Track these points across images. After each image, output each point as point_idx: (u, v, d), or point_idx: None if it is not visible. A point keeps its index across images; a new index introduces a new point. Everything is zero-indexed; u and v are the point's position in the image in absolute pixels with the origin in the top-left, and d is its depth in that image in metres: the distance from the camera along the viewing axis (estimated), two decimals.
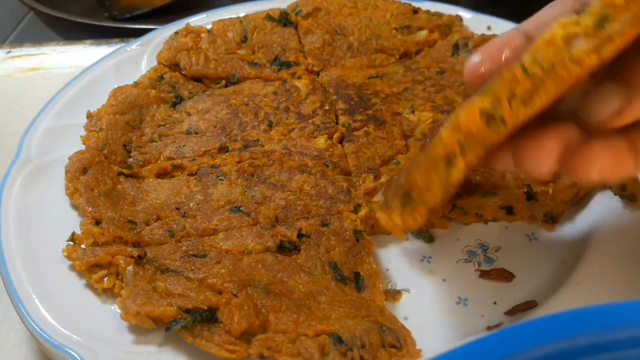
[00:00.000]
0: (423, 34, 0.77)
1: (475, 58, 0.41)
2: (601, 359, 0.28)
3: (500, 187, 0.56)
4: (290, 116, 0.66)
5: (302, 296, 0.46)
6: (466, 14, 0.80)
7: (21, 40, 1.26)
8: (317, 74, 0.73)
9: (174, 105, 0.69)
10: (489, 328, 0.48)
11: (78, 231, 0.52)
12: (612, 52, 0.33)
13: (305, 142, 0.62)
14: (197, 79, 0.73)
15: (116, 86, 0.68)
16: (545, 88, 0.34)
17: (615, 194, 0.57)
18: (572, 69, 0.33)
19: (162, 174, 0.60)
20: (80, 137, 0.62)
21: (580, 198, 0.58)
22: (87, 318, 0.47)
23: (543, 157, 0.37)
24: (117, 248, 0.50)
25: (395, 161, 0.59)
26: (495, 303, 0.51)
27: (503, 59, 0.40)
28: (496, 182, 0.56)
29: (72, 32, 1.07)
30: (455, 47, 0.75)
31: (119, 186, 0.57)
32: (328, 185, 0.57)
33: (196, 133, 0.64)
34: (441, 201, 0.38)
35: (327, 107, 0.66)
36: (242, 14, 0.80)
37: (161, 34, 0.77)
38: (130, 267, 0.48)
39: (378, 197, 0.46)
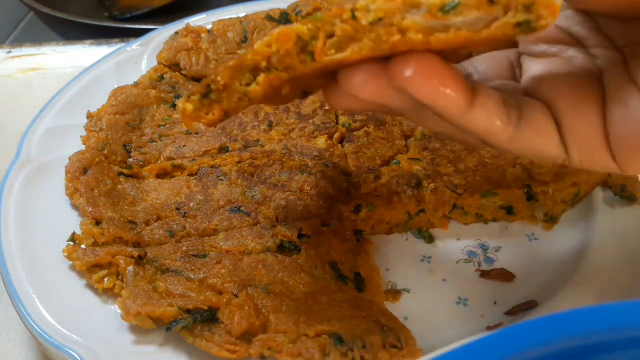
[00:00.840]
0: None
1: None
2: (602, 359, 0.28)
3: (501, 186, 0.56)
4: (290, 116, 0.66)
5: (303, 296, 0.46)
6: None
7: (21, 40, 1.26)
8: None
9: (174, 105, 0.69)
10: (489, 328, 0.48)
11: (78, 231, 0.52)
12: (440, 42, 0.31)
13: (305, 142, 0.62)
14: (197, 79, 0.73)
15: (116, 86, 0.68)
16: (361, 42, 0.31)
17: (615, 194, 0.57)
18: (393, 35, 0.31)
19: (162, 174, 0.60)
20: (80, 137, 0.62)
21: (580, 198, 0.58)
22: (87, 318, 0.47)
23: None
24: (118, 248, 0.50)
25: (395, 161, 0.59)
26: (495, 303, 0.51)
27: None
28: (497, 182, 0.56)
29: (72, 32, 1.07)
30: None
31: (119, 186, 0.57)
32: (328, 185, 0.57)
33: (196, 133, 0.64)
34: (236, 107, 0.36)
35: (327, 107, 0.66)
36: (242, 14, 0.80)
37: (161, 34, 0.77)
38: (130, 267, 0.48)
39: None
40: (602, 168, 0.36)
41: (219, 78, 0.35)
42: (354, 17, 0.31)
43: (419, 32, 0.31)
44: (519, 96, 0.37)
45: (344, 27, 0.31)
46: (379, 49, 0.32)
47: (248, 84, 0.34)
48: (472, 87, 0.34)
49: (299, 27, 0.32)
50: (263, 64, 0.33)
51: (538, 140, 0.35)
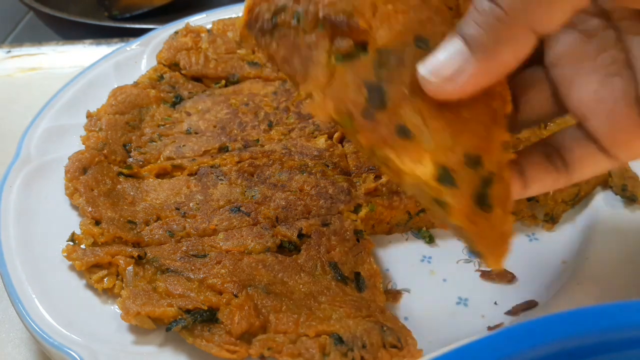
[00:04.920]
0: None
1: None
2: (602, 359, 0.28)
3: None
4: (290, 116, 0.66)
5: (303, 296, 0.46)
6: None
7: (21, 40, 1.25)
8: None
9: (173, 105, 0.69)
10: (489, 328, 0.48)
11: (78, 231, 0.52)
12: None
13: (305, 142, 0.62)
14: (197, 78, 0.73)
15: (116, 86, 0.68)
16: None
17: (616, 194, 0.57)
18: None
19: (162, 174, 0.60)
20: (80, 137, 0.62)
21: (581, 198, 0.58)
22: (87, 318, 0.47)
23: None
24: (117, 248, 0.50)
25: None
26: (495, 303, 0.50)
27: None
28: None
29: (72, 32, 1.07)
30: None
31: (119, 186, 0.57)
32: (328, 185, 0.57)
33: (196, 133, 0.64)
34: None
35: None
36: (241, 14, 0.80)
37: (161, 34, 0.77)
38: (130, 268, 0.48)
39: None
40: None
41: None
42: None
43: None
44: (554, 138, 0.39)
45: None
46: None
47: None
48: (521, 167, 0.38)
49: None
50: None
51: (591, 169, 0.38)
